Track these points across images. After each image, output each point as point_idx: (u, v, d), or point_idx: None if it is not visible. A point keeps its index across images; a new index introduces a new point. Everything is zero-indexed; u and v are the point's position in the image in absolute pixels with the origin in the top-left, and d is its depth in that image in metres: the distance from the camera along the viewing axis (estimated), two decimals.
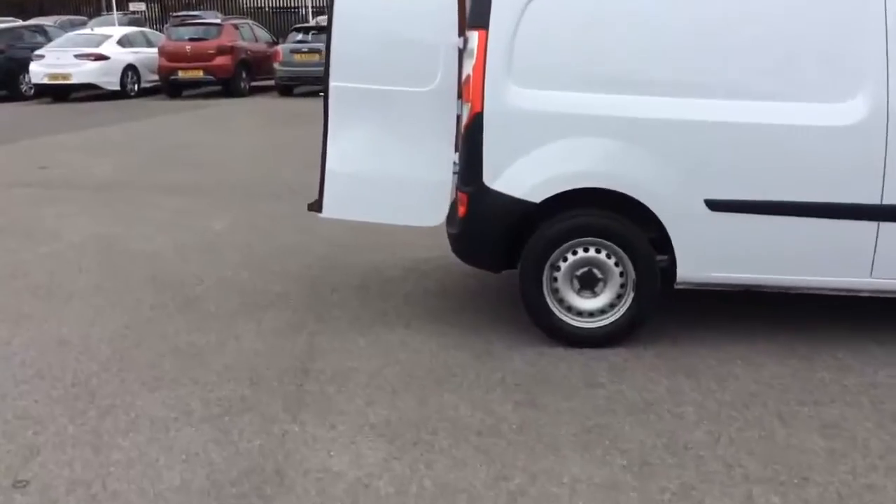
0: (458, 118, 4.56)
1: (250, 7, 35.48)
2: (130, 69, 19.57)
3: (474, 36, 4.36)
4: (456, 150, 4.57)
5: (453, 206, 4.63)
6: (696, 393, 3.96)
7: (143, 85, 19.90)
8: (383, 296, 5.45)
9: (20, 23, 24.04)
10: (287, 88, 19.49)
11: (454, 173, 4.59)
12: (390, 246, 6.43)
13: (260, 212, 7.88)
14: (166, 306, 5.31)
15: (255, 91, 19.96)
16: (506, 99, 4.30)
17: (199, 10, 35.40)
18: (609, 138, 4.25)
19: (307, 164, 10.58)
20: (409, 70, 4.52)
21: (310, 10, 29.04)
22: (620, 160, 4.25)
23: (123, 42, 19.87)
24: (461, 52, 4.49)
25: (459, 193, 4.53)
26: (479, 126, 4.36)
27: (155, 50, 19.71)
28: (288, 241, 6.79)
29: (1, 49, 19.52)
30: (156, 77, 19.62)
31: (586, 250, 4.39)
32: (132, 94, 19.58)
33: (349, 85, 4.57)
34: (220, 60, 19.00)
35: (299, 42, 19.41)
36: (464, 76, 4.47)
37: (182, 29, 20.32)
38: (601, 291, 4.44)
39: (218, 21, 21.72)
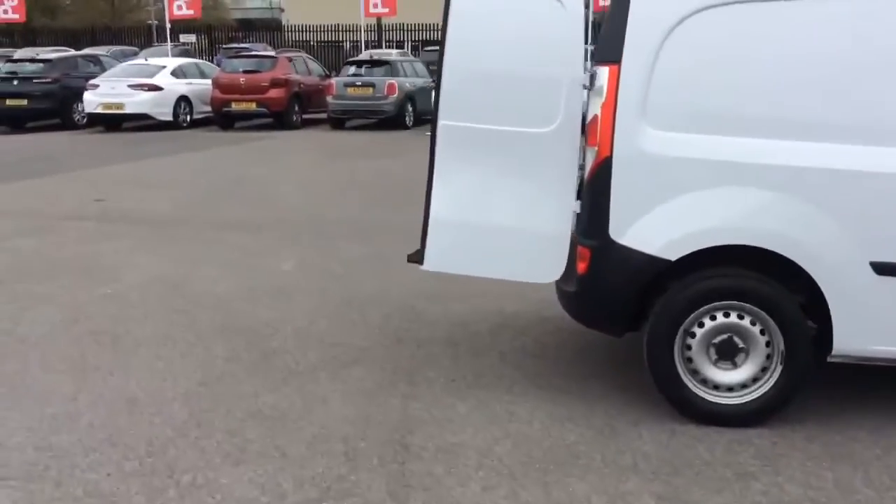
0: (581, 164, 4.07)
1: (297, 40, 35.59)
2: (183, 100, 19.45)
3: (604, 71, 3.88)
4: (577, 199, 4.07)
5: (570, 262, 4.12)
6: (870, 489, 3.39)
7: (195, 116, 19.77)
8: (476, 353, 4.94)
9: (74, 52, 24.15)
10: (339, 122, 19.23)
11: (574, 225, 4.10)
12: (474, 296, 5.94)
13: (329, 252, 7.43)
14: (240, 359, 4.85)
15: (306, 123, 19.72)
16: (639, 142, 3.81)
17: (247, 42, 35.59)
18: (760, 188, 3.72)
19: (371, 201, 10.35)
20: (528, 108, 4.04)
21: (361, 43, 28.90)
22: (773, 214, 3.73)
23: (177, 73, 19.77)
24: (587, 90, 4.00)
25: (580, 248, 4.03)
26: (606, 172, 3.87)
27: (208, 81, 19.58)
28: (364, 287, 6.31)
29: (56, 78, 19.50)
30: (208, 108, 19.48)
31: (727, 315, 3.86)
32: (184, 125, 19.44)
33: (460, 124, 4.10)
34: (274, 93, 18.77)
35: (353, 76, 19.17)
36: (589, 116, 3.98)
37: (236, 61, 20.18)
38: (742, 363, 3.89)
39: (272, 54, 21.57)
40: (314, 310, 5.77)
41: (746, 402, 3.90)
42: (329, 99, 18.97)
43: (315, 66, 21.50)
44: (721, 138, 3.76)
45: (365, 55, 23.47)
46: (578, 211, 4.05)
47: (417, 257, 4.28)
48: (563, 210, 4.08)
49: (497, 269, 4.25)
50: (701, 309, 3.86)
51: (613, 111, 3.84)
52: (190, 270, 6.82)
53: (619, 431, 3.91)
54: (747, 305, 3.82)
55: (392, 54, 23.49)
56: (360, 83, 18.82)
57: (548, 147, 4.05)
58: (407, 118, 18.93)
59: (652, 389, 4.04)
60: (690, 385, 3.93)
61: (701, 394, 3.93)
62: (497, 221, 4.15)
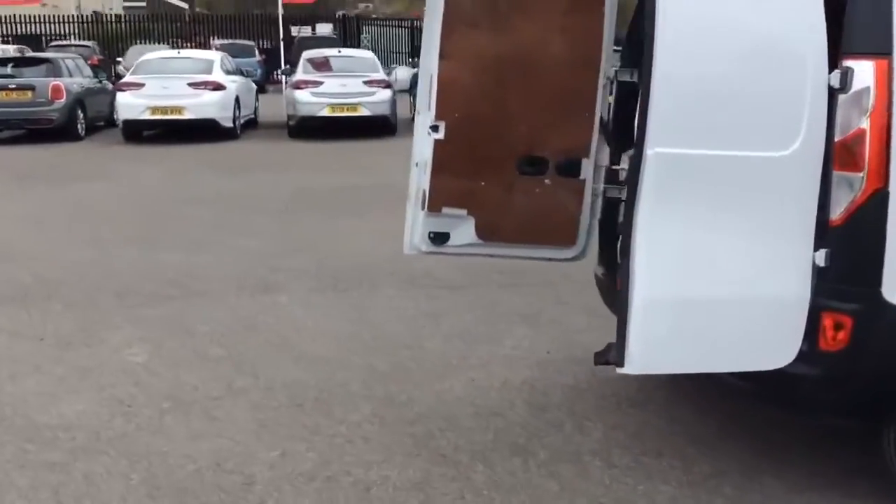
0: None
1: None
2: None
3: (865, 68, 2.77)
4: (820, 248, 2.92)
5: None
6: None
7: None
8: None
9: None
10: None
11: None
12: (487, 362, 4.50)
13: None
14: None
15: None
16: None
17: None
18: None
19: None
20: (758, 123, 2.80)
21: None
22: None
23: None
24: (836, 95, 2.86)
25: (828, 314, 2.90)
26: (877, 209, 2.79)
27: None
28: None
29: None
30: None
31: None
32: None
33: (676, 151, 2.74)
34: None
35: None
36: (842, 132, 2.85)
37: None
38: None
39: None
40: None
41: None
42: None
43: None
44: None
45: (13, 50, 19.31)
46: (824, 264, 2.91)
47: (615, 357, 2.84)
48: (802, 264, 2.91)
49: (721, 360, 2.96)
50: None
51: (887, 124, 2.76)
52: None
53: None
54: None
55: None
56: (13, 86, 15.30)
57: (784, 176, 2.85)
58: (79, 127, 15.77)
59: None
60: None
61: None
62: (720, 291, 2.87)
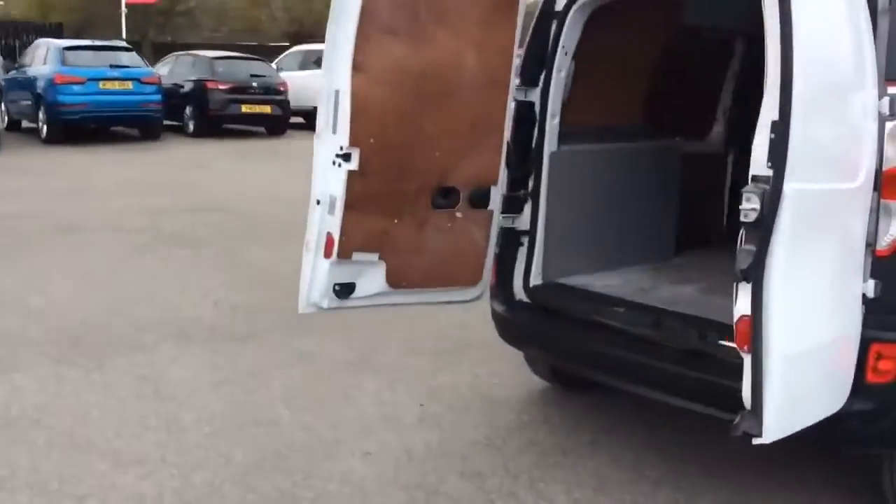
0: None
1: None
2: None
3: None
4: (868, 279, 2.81)
5: None
6: None
7: None
8: None
9: None
10: None
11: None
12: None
13: None
14: None
15: None
16: None
17: None
18: None
19: None
20: (841, 152, 2.60)
21: None
22: None
23: None
24: (882, 123, 2.75)
25: (879, 345, 2.82)
26: None
27: None
28: None
29: None
30: None
31: None
32: None
33: (814, 187, 2.42)
34: None
35: None
36: (888, 162, 2.76)
37: None
38: None
39: None
40: None
41: None
42: None
43: None
44: None
45: None
46: (872, 295, 2.81)
47: (752, 426, 2.41)
48: (854, 298, 2.78)
49: (817, 409, 2.68)
50: None
51: None
52: None
53: None
54: None
55: None
56: None
57: (853, 207, 2.71)
58: None
59: None
60: None
61: None
62: (824, 334, 2.63)
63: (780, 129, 2.36)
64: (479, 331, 4.73)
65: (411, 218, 3.50)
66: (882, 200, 2.80)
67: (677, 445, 3.82)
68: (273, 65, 18.74)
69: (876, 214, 2.81)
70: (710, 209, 5.01)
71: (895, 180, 2.79)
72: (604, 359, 3.55)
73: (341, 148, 3.25)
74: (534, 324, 3.86)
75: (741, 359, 3.22)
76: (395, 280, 3.53)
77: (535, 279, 3.90)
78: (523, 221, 3.87)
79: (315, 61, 18.82)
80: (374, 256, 3.45)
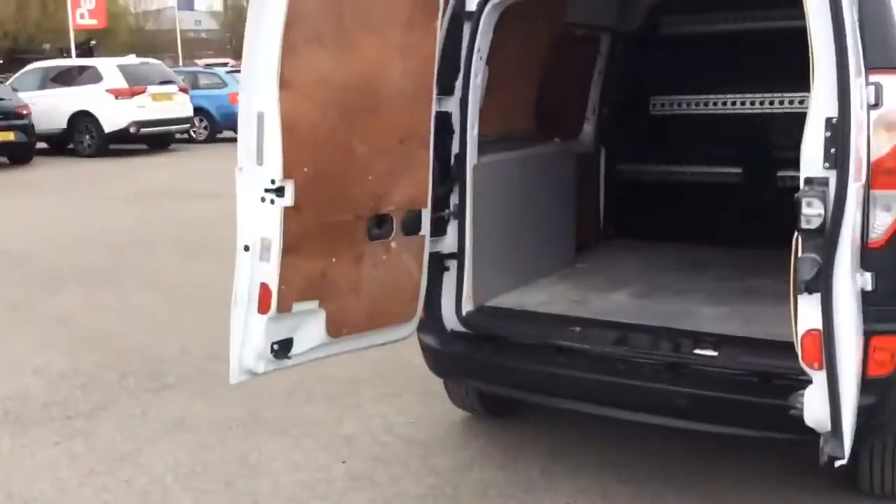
0: None
1: None
2: None
3: (893, 83, 2.66)
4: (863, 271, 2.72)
5: None
6: None
7: None
8: None
9: None
10: None
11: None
12: None
13: None
14: None
15: None
16: None
17: None
18: None
19: None
20: (858, 146, 2.48)
21: None
22: None
23: None
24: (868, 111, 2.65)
25: (878, 338, 2.74)
26: None
27: None
28: None
29: None
30: None
31: None
32: None
33: (857, 186, 2.23)
34: None
35: None
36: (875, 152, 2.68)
37: None
38: None
39: None
40: None
41: None
42: None
43: None
44: None
45: None
46: (869, 288, 2.73)
47: (829, 448, 2.19)
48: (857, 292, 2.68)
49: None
50: None
51: None
52: None
53: None
54: None
55: None
56: None
57: (858, 203, 2.59)
58: None
59: None
60: None
61: None
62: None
63: (840, 127, 2.18)
64: (357, 366, 4.32)
65: (348, 254, 3.02)
66: (871, 191, 2.74)
67: (633, 464, 3.63)
68: (7, 85, 16.70)
69: (865, 206, 2.75)
70: (587, 209, 4.90)
71: (883, 170, 2.73)
72: (568, 383, 3.27)
73: (273, 182, 2.72)
74: (474, 354, 3.51)
75: (722, 369, 3.10)
76: (336, 328, 3.04)
77: (467, 305, 3.55)
78: (448, 244, 3.51)
79: (54, 78, 17.12)
80: (314, 304, 2.94)
